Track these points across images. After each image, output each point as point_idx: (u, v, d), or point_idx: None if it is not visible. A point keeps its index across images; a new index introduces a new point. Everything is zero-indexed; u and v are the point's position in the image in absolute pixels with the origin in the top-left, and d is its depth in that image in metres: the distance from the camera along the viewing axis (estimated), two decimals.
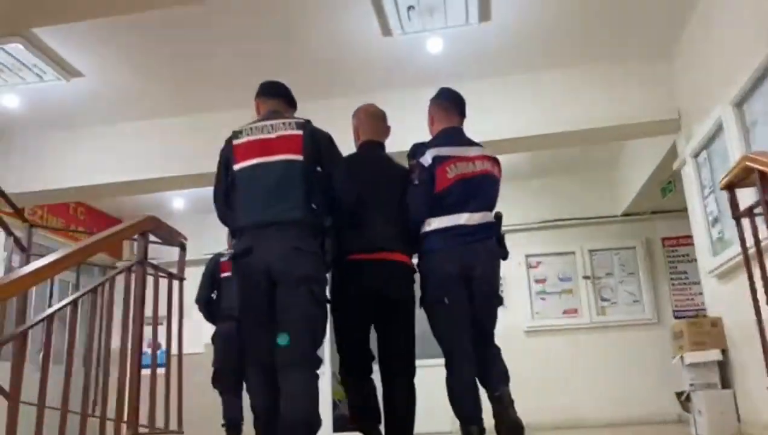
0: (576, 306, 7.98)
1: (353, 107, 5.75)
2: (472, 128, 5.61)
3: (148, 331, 3.32)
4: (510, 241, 7.99)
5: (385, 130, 3.52)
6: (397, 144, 5.67)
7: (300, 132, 2.95)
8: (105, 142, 6.20)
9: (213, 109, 5.99)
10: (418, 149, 3.23)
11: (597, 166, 8.03)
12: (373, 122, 3.46)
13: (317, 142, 2.98)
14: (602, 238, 8.07)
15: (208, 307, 5.19)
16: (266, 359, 2.75)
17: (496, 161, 3.33)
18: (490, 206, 3.22)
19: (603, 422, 7.30)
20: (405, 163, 3.37)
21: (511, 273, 8.12)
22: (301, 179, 2.89)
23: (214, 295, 5.24)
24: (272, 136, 2.95)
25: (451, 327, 3.05)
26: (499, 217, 3.22)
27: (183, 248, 3.45)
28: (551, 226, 8.18)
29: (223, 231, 4.23)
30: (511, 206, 8.35)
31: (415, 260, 3.24)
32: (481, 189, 3.16)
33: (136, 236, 3.18)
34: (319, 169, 3.00)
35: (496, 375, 3.03)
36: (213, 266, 5.29)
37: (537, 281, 8.15)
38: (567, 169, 8.06)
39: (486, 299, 3.12)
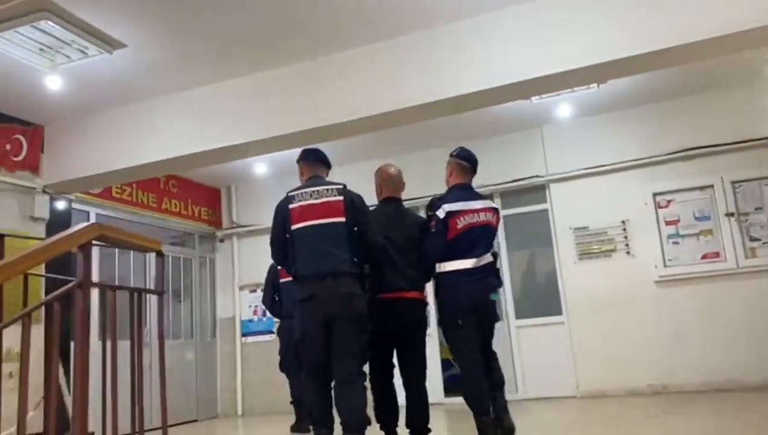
0: (717, 249, 6.78)
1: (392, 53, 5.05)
2: (562, 56, 4.69)
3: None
4: (632, 178, 7.05)
5: (402, 187, 4.32)
6: (440, 91, 4.91)
7: (341, 198, 3.76)
8: (170, 112, 5.83)
9: (282, 64, 5.40)
10: (435, 204, 4.04)
11: (736, 80, 6.65)
12: (392, 182, 4.26)
13: (354, 205, 3.80)
14: (748, 167, 6.73)
15: (272, 308, 6.17)
16: (321, 374, 3.65)
17: (496, 211, 4.19)
18: (489, 249, 4.05)
19: (754, 384, 6.21)
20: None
21: (636, 216, 7.05)
22: (346, 238, 3.71)
23: (276, 297, 6.14)
24: (319, 201, 3.74)
25: (465, 343, 3.92)
26: (495, 255, 4.10)
27: (160, 255, 2.93)
28: (682, 156, 6.95)
29: None
30: (630, 139, 7.28)
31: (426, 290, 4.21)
32: (483, 236, 4.01)
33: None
34: (355, 228, 3.79)
35: (492, 382, 3.95)
36: (273, 274, 6.16)
37: (668, 223, 7.01)
38: (697, 87, 6.76)
39: (488, 321, 4.03)
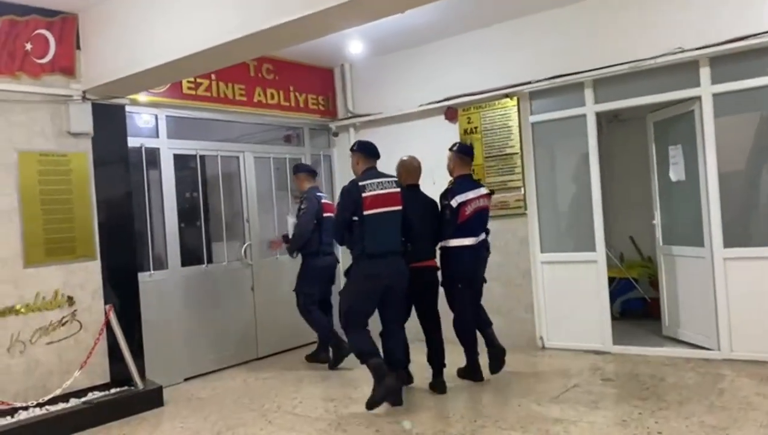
0: None
1: None
2: None
3: None
4: None
5: (419, 175, 5.14)
6: None
7: (398, 190, 4.64)
8: None
9: None
10: (449, 193, 4.96)
11: None
12: (415, 173, 5.10)
13: (404, 196, 4.68)
14: None
15: (308, 243, 5.90)
16: (365, 324, 4.66)
17: (489, 195, 5.17)
18: (485, 227, 5.16)
19: None
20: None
21: None
22: (400, 223, 4.63)
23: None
24: (385, 192, 4.55)
25: (462, 300, 4.98)
26: (487, 231, 5.17)
27: None
28: None
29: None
30: None
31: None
32: (482, 218, 5.09)
33: None
34: None
35: (483, 323, 5.15)
36: (317, 206, 5.92)
37: None
38: None
39: (480, 284, 5.18)
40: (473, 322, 4.99)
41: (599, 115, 5.88)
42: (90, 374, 4.89)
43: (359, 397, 4.79)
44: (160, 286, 5.59)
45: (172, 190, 5.76)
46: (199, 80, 5.87)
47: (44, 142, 4.75)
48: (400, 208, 4.57)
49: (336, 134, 7.29)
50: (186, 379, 5.72)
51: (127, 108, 5.39)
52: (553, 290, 6.04)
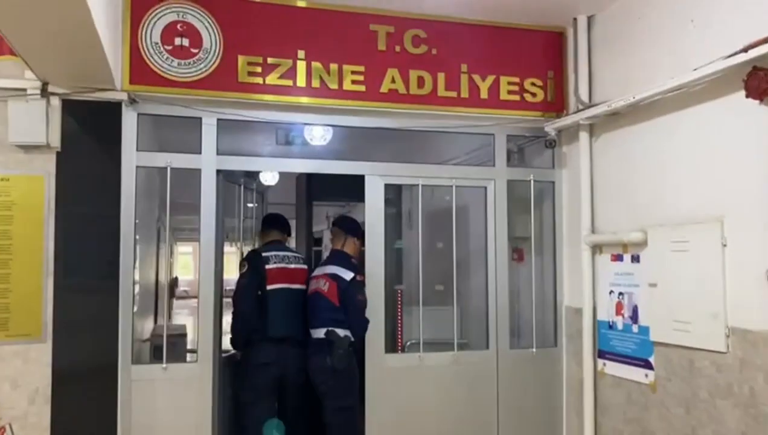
0: None
1: None
2: None
3: None
4: None
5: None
6: None
7: (305, 266, 4.21)
8: None
9: None
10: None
11: None
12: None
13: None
14: None
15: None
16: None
17: (335, 278, 4.05)
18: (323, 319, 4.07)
19: None
20: None
21: None
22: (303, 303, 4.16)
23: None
24: (291, 267, 4.11)
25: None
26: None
27: None
28: None
29: None
30: None
31: None
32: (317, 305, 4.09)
33: None
34: None
35: None
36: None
37: None
38: None
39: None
40: None
41: None
42: None
43: None
44: (174, 384, 3.54)
45: (213, 232, 3.67)
46: (270, 60, 3.63)
47: None
48: (303, 286, 4.10)
49: (553, 143, 4.06)
50: None
51: (149, 110, 3.54)
52: None
